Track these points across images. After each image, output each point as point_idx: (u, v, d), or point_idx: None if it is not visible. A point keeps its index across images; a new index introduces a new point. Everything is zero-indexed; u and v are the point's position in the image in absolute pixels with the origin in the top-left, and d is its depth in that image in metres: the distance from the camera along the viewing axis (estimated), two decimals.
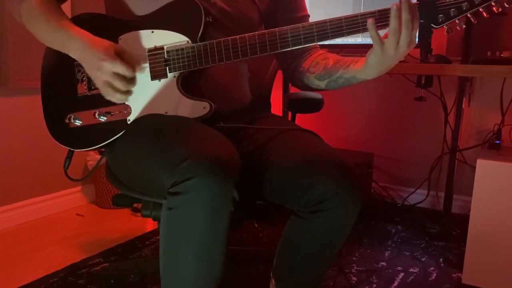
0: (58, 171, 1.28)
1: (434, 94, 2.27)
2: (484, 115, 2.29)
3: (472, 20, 0.96)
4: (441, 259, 1.88)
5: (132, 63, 1.06)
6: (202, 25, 1.07)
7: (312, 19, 1.27)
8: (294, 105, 1.60)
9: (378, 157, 2.54)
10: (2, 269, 1.73)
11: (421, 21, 0.97)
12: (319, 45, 1.27)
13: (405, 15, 0.93)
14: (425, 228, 2.19)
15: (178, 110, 1.08)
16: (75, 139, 1.15)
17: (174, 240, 0.92)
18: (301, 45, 1.04)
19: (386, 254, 1.91)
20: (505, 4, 0.94)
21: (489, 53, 1.75)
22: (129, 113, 1.11)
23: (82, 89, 1.14)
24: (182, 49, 1.07)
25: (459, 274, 1.72)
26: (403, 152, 2.54)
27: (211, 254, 0.91)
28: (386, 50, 0.96)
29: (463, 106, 2.23)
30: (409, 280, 1.71)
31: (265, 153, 1.12)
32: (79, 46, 1.04)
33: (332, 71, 1.15)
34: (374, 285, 1.66)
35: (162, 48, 1.09)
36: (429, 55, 1.82)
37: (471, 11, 0.95)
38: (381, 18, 0.97)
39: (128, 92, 1.08)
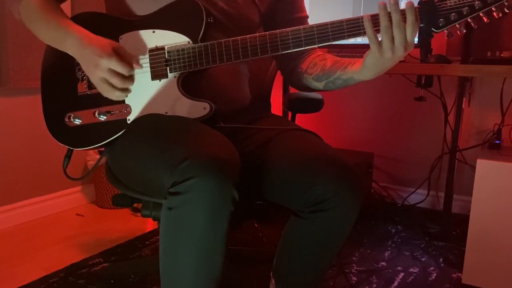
0: (58, 171, 1.28)
1: (434, 94, 2.27)
2: (484, 115, 2.29)
3: (472, 25, 0.97)
4: (441, 259, 1.88)
5: (131, 61, 1.06)
6: (203, 26, 1.07)
7: (312, 19, 1.27)
8: (294, 105, 1.60)
9: (378, 157, 2.53)
10: (2, 269, 1.73)
11: (421, 25, 0.97)
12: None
13: (394, 16, 0.93)
14: (425, 228, 2.19)
15: (178, 110, 1.08)
16: (75, 138, 1.15)
17: (174, 240, 0.92)
18: (302, 47, 1.04)
19: (386, 254, 1.91)
20: (505, 9, 0.94)
21: (489, 53, 1.75)
22: (129, 113, 1.11)
23: (82, 88, 1.14)
24: (183, 49, 1.07)
25: (459, 274, 1.72)
26: (403, 152, 2.54)
27: (211, 254, 0.91)
28: (383, 52, 0.96)
29: (463, 106, 2.23)
30: (409, 280, 1.71)
31: (265, 153, 1.12)
32: (76, 43, 1.04)
33: (330, 72, 1.15)
34: (374, 285, 1.66)
35: (163, 48, 1.09)
36: (429, 55, 1.82)
37: (471, 16, 0.95)
38: (376, 22, 0.97)
39: (126, 90, 1.08)
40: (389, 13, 0.94)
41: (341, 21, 1.00)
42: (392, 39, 0.94)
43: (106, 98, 1.11)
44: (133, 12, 1.13)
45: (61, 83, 1.16)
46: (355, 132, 2.65)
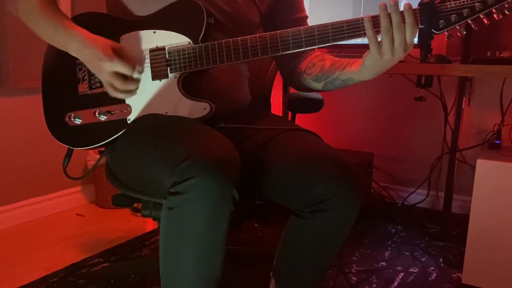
0: (58, 171, 1.28)
1: (434, 94, 2.27)
2: (484, 115, 2.29)
3: (473, 27, 0.97)
4: (441, 259, 1.88)
5: (132, 61, 1.06)
6: (204, 26, 1.07)
7: (312, 19, 1.28)
8: (294, 105, 1.60)
9: (378, 157, 2.53)
10: (2, 269, 1.73)
11: (422, 26, 0.97)
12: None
13: (394, 17, 0.93)
14: (425, 228, 2.19)
15: (178, 111, 1.09)
16: (75, 137, 1.15)
17: (174, 240, 0.92)
18: (302, 48, 1.04)
19: (386, 254, 1.91)
20: (505, 11, 0.94)
21: (489, 53, 1.75)
22: (129, 113, 1.11)
23: (82, 87, 1.14)
24: (184, 49, 1.07)
25: (459, 274, 1.72)
26: (403, 152, 2.54)
27: (211, 254, 0.91)
28: (382, 53, 0.96)
29: (463, 106, 2.23)
30: (409, 280, 1.71)
31: (265, 153, 1.12)
32: (77, 46, 1.05)
33: (329, 73, 1.15)
34: (374, 285, 1.66)
35: (163, 48, 1.09)
36: (429, 55, 1.82)
37: (471, 18, 0.96)
38: (376, 23, 0.97)
39: (130, 91, 1.08)
40: (390, 14, 0.94)
41: (341, 22, 1.00)
42: (392, 41, 0.95)
43: (107, 98, 1.11)
44: (134, 12, 1.13)
45: (62, 83, 1.16)
46: (355, 132, 2.65)
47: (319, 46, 1.04)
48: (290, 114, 1.65)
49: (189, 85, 1.10)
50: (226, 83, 1.18)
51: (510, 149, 1.80)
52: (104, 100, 1.12)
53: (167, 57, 1.08)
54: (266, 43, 1.05)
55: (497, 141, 1.85)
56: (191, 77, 1.10)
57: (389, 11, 0.94)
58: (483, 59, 1.69)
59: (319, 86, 1.19)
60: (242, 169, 0.93)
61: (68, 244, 1.97)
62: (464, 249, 1.65)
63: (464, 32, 0.98)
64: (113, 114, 1.12)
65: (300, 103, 1.60)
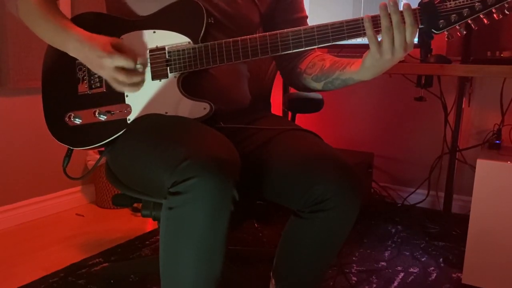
0: (58, 171, 1.28)
1: (434, 94, 2.27)
2: (484, 115, 2.29)
3: (473, 27, 0.97)
4: (441, 259, 1.88)
5: (132, 53, 1.06)
6: (204, 26, 1.07)
7: (312, 19, 1.28)
8: (294, 105, 1.60)
9: (378, 157, 2.53)
10: (2, 269, 1.73)
11: (422, 26, 0.97)
12: None
13: (394, 18, 0.93)
14: (425, 228, 2.19)
15: (178, 111, 1.09)
16: (75, 137, 1.15)
17: (174, 240, 0.92)
18: (302, 48, 1.04)
19: (386, 254, 1.91)
20: (505, 11, 0.94)
21: (489, 53, 1.75)
22: (129, 113, 1.11)
23: (82, 87, 1.14)
24: (184, 49, 1.07)
25: (459, 274, 1.72)
26: (403, 152, 2.54)
27: (211, 254, 0.91)
28: (382, 53, 0.96)
29: (463, 106, 2.23)
30: (409, 280, 1.71)
31: (265, 153, 1.12)
32: (78, 47, 1.04)
33: (329, 73, 1.15)
34: (374, 285, 1.66)
35: (163, 48, 1.09)
36: (429, 55, 1.82)
37: (471, 17, 0.96)
38: (375, 23, 0.97)
39: (136, 84, 1.08)
40: (390, 14, 0.94)
41: (341, 22, 1.00)
42: (393, 40, 0.95)
43: (106, 98, 1.11)
44: (134, 12, 1.13)
45: (62, 83, 1.16)
46: (355, 132, 2.65)
47: (319, 46, 1.04)
48: (290, 114, 1.65)
49: (189, 85, 1.10)
50: (226, 83, 1.18)
51: (510, 149, 1.80)
52: (104, 100, 1.12)
53: (167, 57, 1.08)
54: (266, 43, 1.05)
55: (497, 141, 1.85)
56: (191, 77, 1.10)
57: (389, 11, 0.94)
58: (483, 59, 1.69)
59: (319, 86, 1.19)
60: (242, 169, 0.93)
61: (68, 244, 1.97)
62: (464, 249, 1.65)
63: (464, 32, 0.98)
64: (113, 114, 1.12)
65: (300, 103, 1.60)
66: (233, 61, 1.06)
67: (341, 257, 1.84)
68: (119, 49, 1.04)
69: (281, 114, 2.27)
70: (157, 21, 1.10)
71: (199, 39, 1.08)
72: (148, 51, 1.09)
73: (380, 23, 0.95)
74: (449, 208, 2.25)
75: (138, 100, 1.11)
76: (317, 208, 1.02)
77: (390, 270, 1.77)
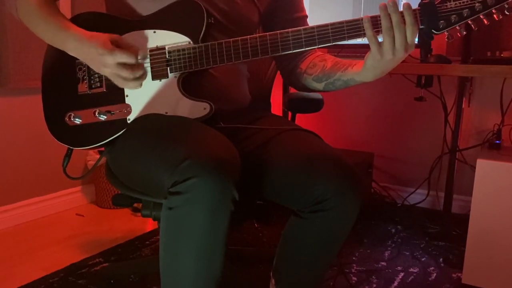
0: (58, 171, 1.28)
1: (434, 94, 2.27)
2: (484, 115, 2.29)
3: (473, 27, 0.97)
4: (441, 259, 1.88)
5: (132, 48, 1.06)
6: (204, 26, 1.07)
7: (312, 19, 1.28)
8: (294, 105, 1.60)
9: (378, 157, 2.53)
10: (2, 269, 1.73)
11: (422, 26, 0.97)
12: None
13: (394, 17, 0.93)
14: (425, 228, 2.19)
15: (178, 111, 1.08)
16: (75, 137, 1.15)
17: (174, 240, 0.92)
18: (303, 48, 1.04)
19: (386, 254, 1.91)
20: (505, 11, 0.94)
21: (489, 53, 1.75)
22: (129, 113, 1.11)
23: (82, 87, 1.14)
24: (184, 49, 1.07)
25: (459, 274, 1.72)
26: (403, 152, 2.54)
27: (211, 254, 0.91)
28: (383, 53, 0.96)
29: (463, 106, 2.23)
30: (409, 280, 1.71)
31: (265, 153, 1.12)
32: (78, 46, 1.04)
33: (330, 73, 1.15)
34: (374, 285, 1.66)
35: (163, 48, 1.09)
36: (429, 55, 1.82)
37: (471, 18, 0.96)
38: (375, 24, 0.97)
39: (139, 78, 1.08)
40: (389, 14, 0.94)
41: (341, 22, 1.00)
42: (394, 40, 0.94)
43: (106, 98, 1.11)
44: (134, 12, 1.13)
45: (62, 83, 1.16)
46: (355, 132, 2.65)
47: (319, 46, 1.04)
48: (290, 114, 1.65)
49: (189, 85, 1.10)
50: (226, 83, 1.18)
51: (510, 149, 1.80)
52: (104, 100, 1.12)
53: (167, 57, 1.08)
54: (266, 43, 1.05)
55: (497, 141, 1.85)
56: (191, 77, 1.10)
57: (389, 11, 0.94)
58: (483, 59, 1.69)
59: (320, 86, 1.19)
60: (242, 169, 0.93)
61: (68, 244, 1.97)
62: (464, 249, 1.65)
63: (464, 33, 0.98)
64: (113, 114, 1.12)
65: (300, 103, 1.60)
66: (233, 61, 1.06)
67: (341, 257, 1.84)
68: (118, 45, 1.04)
69: (281, 114, 2.27)
70: (157, 21, 1.10)
71: (199, 39, 1.08)
72: (148, 51, 1.09)
73: (380, 23, 0.95)
74: (449, 208, 2.25)
75: (138, 100, 1.11)
76: (317, 208, 1.02)
77: (390, 270, 1.77)
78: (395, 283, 1.68)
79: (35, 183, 2.23)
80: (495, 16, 0.95)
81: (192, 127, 1.01)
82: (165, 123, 1.06)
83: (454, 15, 0.96)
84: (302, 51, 1.22)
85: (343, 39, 1.01)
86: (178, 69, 1.08)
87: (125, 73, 1.03)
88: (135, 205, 1.28)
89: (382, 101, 2.55)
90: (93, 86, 1.13)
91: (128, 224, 2.20)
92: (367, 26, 0.95)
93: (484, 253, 1.61)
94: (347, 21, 1.00)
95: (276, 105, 1.83)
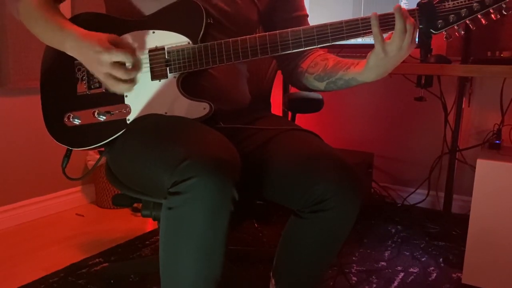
0: (58, 171, 1.28)
1: (434, 94, 2.27)
2: (484, 115, 2.29)
3: (471, 27, 0.97)
4: (441, 259, 1.88)
5: (129, 47, 1.06)
6: (203, 26, 1.07)
7: (312, 19, 1.28)
8: (294, 105, 1.60)
9: (378, 157, 2.53)
10: (2, 269, 1.73)
11: (420, 26, 0.97)
12: None
13: (408, 20, 0.94)
14: (425, 228, 2.19)
15: (177, 111, 1.08)
16: (74, 138, 1.15)
17: (174, 240, 0.92)
18: (302, 48, 1.04)
19: (386, 254, 1.91)
20: (503, 11, 0.94)
21: (489, 53, 1.75)
22: (128, 113, 1.11)
23: (81, 88, 1.14)
24: (183, 49, 1.07)
25: (459, 274, 1.72)
26: (403, 152, 2.54)
27: (211, 254, 0.91)
28: (388, 51, 0.96)
29: (463, 106, 2.23)
30: (409, 280, 1.71)
31: (265, 153, 1.12)
32: (75, 45, 1.04)
33: (332, 73, 1.14)
34: (374, 285, 1.66)
35: (163, 48, 1.09)
36: (429, 55, 1.82)
37: (470, 18, 0.96)
38: (382, 22, 0.97)
39: (131, 81, 1.06)
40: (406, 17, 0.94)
41: (340, 22, 1.01)
42: (402, 41, 0.95)
43: (106, 98, 1.11)
44: (133, 12, 1.13)
45: (61, 83, 1.16)
46: (355, 132, 2.65)
47: (319, 46, 1.04)
48: (290, 114, 1.65)
49: (189, 85, 1.10)
50: (226, 83, 1.18)
51: (510, 149, 1.80)
52: (103, 100, 1.12)
53: (166, 57, 1.08)
54: (266, 43, 1.05)
55: (497, 141, 1.85)
56: (191, 77, 1.10)
57: (404, 15, 0.94)
58: (483, 59, 1.69)
59: (321, 85, 1.19)
60: (242, 169, 0.93)
61: (68, 244, 1.97)
62: (464, 249, 1.65)
63: (463, 32, 0.98)
64: (113, 114, 1.12)
65: (300, 103, 1.60)
66: (232, 61, 1.06)
67: (341, 257, 1.84)
68: (115, 45, 1.03)
69: (281, 114, 2.27)
70: (157, 21, 1.10)
71: (199, 39, 1.08)
72: (147, 51, 1.09)
73: (386, 22, 0.96)
74: (449, 208, 2.25)
75: (138, 100, 1.10)
76: (317, 208, 1.02)
77: (390, 270, 1.77)
78: (395, 283, 1.68)
79: (35, 183, 2.23)
80: (493, 16, 0.95)
81: (192, 127, 1.01)
82: (164, 123, 1.06)
83: (452, 15, 0.96)
84: (303, 50, 1.22)
85: (342, 39, 1.01)
86: (178, 69, 1.08)
87: (119, 73, 1.02)
88: (135, 205, 1.28)
89: (382, 101, 2.55)
90: (92, 87, 1.13)
91: (128, 224, 2.20)
92: (374, 23, 0.95)
93: (484, 253, 1.61)
94: (346, 21, 1.00)
95: (276, 105, 1.83)
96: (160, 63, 1.09)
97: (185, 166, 0.87)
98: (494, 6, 0.94)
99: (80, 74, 1.14)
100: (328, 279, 1.63)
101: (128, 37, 1.10)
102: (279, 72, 1.60)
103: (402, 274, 1.75)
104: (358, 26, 0.99)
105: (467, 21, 0.96)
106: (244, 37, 1.05)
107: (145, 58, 1.09)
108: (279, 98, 2.27)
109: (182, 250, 0.91)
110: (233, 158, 0.92)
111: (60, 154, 1.26)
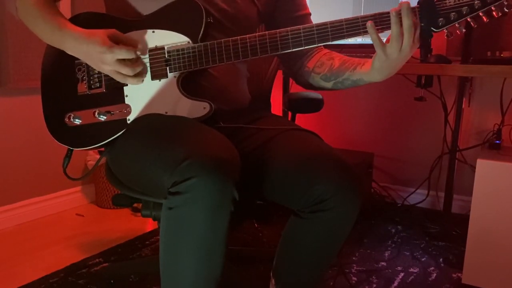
0: (58, 171, 1.28)
1: (434, 94, 2.27)
2: (484, 115, 2.29)
3: (472, 24, 0.97)
4: (441, 259, 1.88)
5: (130, 42, 1.06)
6: (203, 26, 1.07)
7: (312, 18, 1.27)
8: (294, 105, 1.60)
9: (378, 157, 2.53)
10: (2, 269, 1.73)
11: (421, 24, 0.97)
12: None
13: (407, 21, 0.93)
14: (425, 228, 2.19)
15: (178, 110, 1.08)
16: (75, 138, 1.15)
17: (174, 240, 0.92)
18: (302, 46, 1.04)
19: (386, 254, 1.91)
20: (505, 9, 0.94)
21: (489, 53, 1.75)
22: (129, 113, 1.11)
23: (82, 88, 1.14)
24: (183, 49, 1.07)
25: (459, 274, 1.72)
26: (403, 152, 2.54)
27: (211, 254, 0.91)
28: (389, 54, 0.96)
29: (463, 106, 2.23)
30: (409, 280, 1.71)
31: (265, 153, 1.12)
32: (75, 45, 1.04)
33: (339, 73, 1.14)
34: (374, 285, 1.66)
35: (162, 48, 1.09)
36: (429, 55, 1.81)
37: (471, 15, 0.96)
38: (382, 21, 0.97)
39: (140, 74, 1.07)
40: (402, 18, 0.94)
41: (340, 21, 1.00)
42: (401, 44, 0.95)
43: (106, 98, 1.11)
44: (133, 12, 1.13)
45: (61, 83, 1.16)
46: (355, 132, 2.65)
47: (319, 44, 1.04)
48: (290, 114, 1.65)
49: (189, 85, 1.10)
50: (226, 82, 1.18)
51: (510, 149, 1.80)
52: (103, 100, 1.12)
53: (166, 56, 1.08)
54: (266, 42, 1.04)
55: (497, 141, 1.85)
56: (191, 76, 1.10)
57: (402, 16, 0.93)
58: (483, 59, 1.69)
59: (328, 85, 1.19)
60: (242, 169, 0.93)
61: (68, 244, 1.97)
62: (464, 249, 1.64)
63: (464, 30, 0.98)
64: (113, 114, 1.12)
65: (300, 103, 1.60)
66: (232, 60, 1.06)
67: (341, 257, 1.84)
68: (117, 40, 1.03)
69: (281, 114, 2.27)
70: (156, 21, 1.10)
71: (199, 38, 1.08)
72: (147, 51, 1.09)
73: (381, 21, 0.96)
74: (449, 208, 2.25)
75: (138, 100, 1.11)
76: (317, 208, 1.02)
77: (390, 270, 1.77)
78: (395, 283, 1.68)
79: (35, 183, 2.23)
80: (494, 13, 0.95)
81: (192, 127, 1.01)
82: (165, 123, 1.06)
83: (454, 13, 0.96)
84: (308, 49, 1.22)
85: (343, 37, 1.01)
86: (178, 68, 1.08)
87: (125, 70, 1.03)
88: (135, 205, 1.28)
89: (382, 101, 2.55)
90: (92, 87, 1.13)
91: (128, 224, 2.20)
92: (371, 31, 0.95)
93: (484, 253, 1.61)
94: (346, 20, 1.00)
95: (276, 105, 1.83)
96: (160, 62, 1.09)
97: (185, 166, 0.87)
98: (495, 4, 0.94)
99: (81, 74, 1.14)
100: (328, 279, 1.63)
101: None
102: (279, 72, 1.60)
103: (402, 274, 1.75)
104: (359, 25, 0.99)
105: (468, 19, 0.96)
106: (243, 36, 1.05)
107: (145, 58, 1.09)
108: (279, 98, 2.27)
109: (182, 250, 0.91)
110: (233, 158, 0.92)
111: (60, 154, 1.26)
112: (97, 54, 1.01)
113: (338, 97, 2.59)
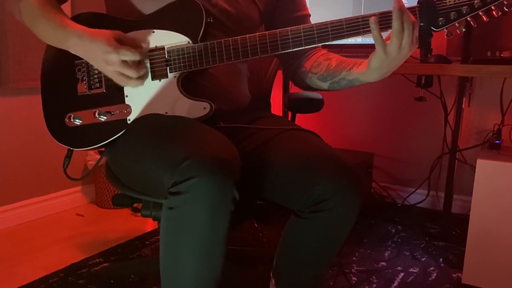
0: (58, 171, 1.28)
1: (434, 94, 2.27)
2: (484, 115, 2.29)
3: (472, 24, 0.97)
4: (441, 259, 1.88)
5: (134, 43, 1.06)
6: (203, 26, 1.07)
7: (312, 18, 1.28)
8: (294, 105, 1.60)
9: (378, 157, 2.53)
10: (2, 269, 1.73)
11: (421, 24, 0.97)
12: None
13: (406, 17, 0.93)
14: (425, 228, 2.19)
15: (178, 110, 1.08)
16: (75, 138, 1.15)
17: (174, 240, 0.92)
18: (302, 46, 1.04)
19: (386, 254, 1.91)
20: (505, 8, 0.94)
21: (489, 53, 1.75)
22: (129, 113, 1.11)
23: (82, 88, 1.14)
24: (183, 49, 1.07)
25: (459, 274, 1.72)
26: (403, 152, 2.54)
27: (211, 253, 0.91)
28: (388, 52, 0.96)
29: (463, 106, 2.23)
30: (409, 280, 1.71)
31: (265, 153, 1.12)
32: (79, 43, 1.04)
33: (335, 73, 1.14)
34: (374, 285, 1.66)
35: (162, 48, 1.09)
36: (429, 55, 1.81)
37: (471, 15, 0.96)
38: (382, 20, 0.97)
39: (142, 77, 1.07)
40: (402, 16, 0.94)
41: (340, 21, 1.00)
42: (401, 41, 0.95)
43: (106, 99, 1.11)
44: (133, 12, 1.13)
45: (61, 83, 1.15)
46: (355, 132, 2.65)
47: (319, 44, 1.04)
48: (290, 114, 1.65)
49: (189, 85, 1.10)
50: (226, 82, 1.18)
51: (510, 149, 1.80)
52: (103, 100, 1.12)
53: (166, 56, 1.08)
54: (266, 42, 1.05)
55: (497, 141, 1.85)
56: (191, 76, 1.10)
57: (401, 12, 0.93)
58: (483, 59, 1.69)
59: (325, 85, 1.19)
60: (242, 169, 0.93)
61: (68, 244, 1.97)
62: (464, 249, 1.65)
63: (464, 30, 0.98)
64: (113, 114, 1.12)
65: (300, 103, 1.60)
66: (232, 60, 1.06)
67: (341, 257, 1.84)
68: (122, 42, 1.03)
69: (281, 114, 2.27)
70: (156, 21, 1.10)
71: (199, 38, 1.08)
72: (147, 51, 1.09)
73: (379, 22, 0.96)
74: (449, 208, 2.25)
75: (138, 100, 1.11)
76: (317, 208, 1.02)
77: (390, 270, 1.77)
78: (395, 283, 1.68)
79: (35, 183, 2.23)
80: (494, 12, 0.95)
81: (192, 127, 1.01)
82: (165, 123, 1.06)
83: (454, 12, 0.96)
84: (306, 50, 1.22)
85: (343, 37, 1.01)
86: (178, 68, 1.08)
87: (129, 72, 1.03)
88: (135, 205, 1.28)
89: (382, 101, 2.55)
90: (92, 87, 1.13)
91: (128, 224, 2.20)
92: (373, 27, 0.95)
93: (484, 253, 1.61)
94: (346, 19, 1.00)
95: (276, 105, 1.83)
96: (160, 62, 1.09)
97: (185, 166, 0.87)
98: (495, 3, 0.94)
99: (81, 75, 1.14)
100: (328, 279, 1.63)
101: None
102: (279, 72, 1.60)
103: (402, 274, 1.75)
104: (359, 24, 0.99)
105: (468, 18, 0.96)
106: (244, 36, 1.05)
107: (145, 58, 1.09)
108: (279, 98, 2.27)
109: (182, 250, 0.91)
110: (233, 158, 0.92)
111: (60, 154, 1.26)
112: (102, 54, 1.01)
113: (338, 97, 2.59)
